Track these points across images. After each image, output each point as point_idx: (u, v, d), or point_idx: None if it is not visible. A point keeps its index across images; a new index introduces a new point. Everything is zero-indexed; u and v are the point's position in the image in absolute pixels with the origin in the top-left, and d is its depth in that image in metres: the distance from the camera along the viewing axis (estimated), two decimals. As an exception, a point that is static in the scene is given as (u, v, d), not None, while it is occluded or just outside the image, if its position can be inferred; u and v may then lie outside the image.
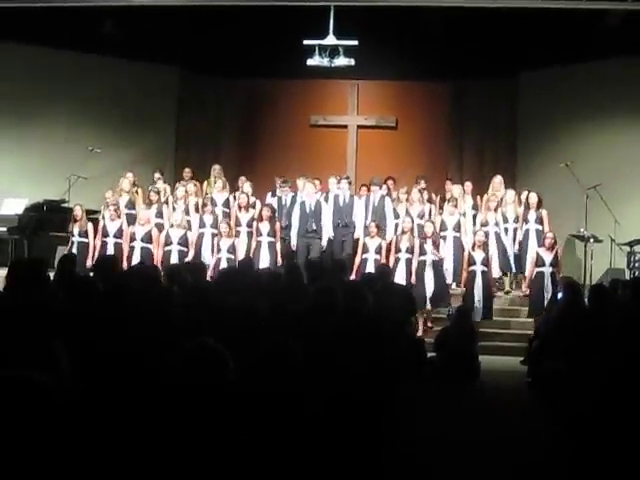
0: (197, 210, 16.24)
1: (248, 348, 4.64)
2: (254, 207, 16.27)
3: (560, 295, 12.33)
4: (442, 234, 15.30)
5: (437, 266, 14.69)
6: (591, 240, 15.84)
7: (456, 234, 15.49)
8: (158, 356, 4.58)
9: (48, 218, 16.65)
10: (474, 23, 17.06)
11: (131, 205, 16.68)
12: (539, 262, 14.48)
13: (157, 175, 17.70)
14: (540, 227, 15.44)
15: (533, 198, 15.80)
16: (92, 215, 16.50)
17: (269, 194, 17.20)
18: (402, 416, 6.42)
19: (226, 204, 16.61)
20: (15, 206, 17.25)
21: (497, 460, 6.63)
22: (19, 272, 8.80)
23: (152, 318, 6.38)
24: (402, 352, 7.52)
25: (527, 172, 18.99)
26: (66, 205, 17.23)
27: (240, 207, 15.94)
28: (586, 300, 10.49)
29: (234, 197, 16.70)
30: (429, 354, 11.48)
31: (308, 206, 15.93)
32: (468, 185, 17.05)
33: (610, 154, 17.86)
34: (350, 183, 16.92)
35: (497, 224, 15.72)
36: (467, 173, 19.76)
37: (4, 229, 17.03)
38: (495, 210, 15.86)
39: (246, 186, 16.87)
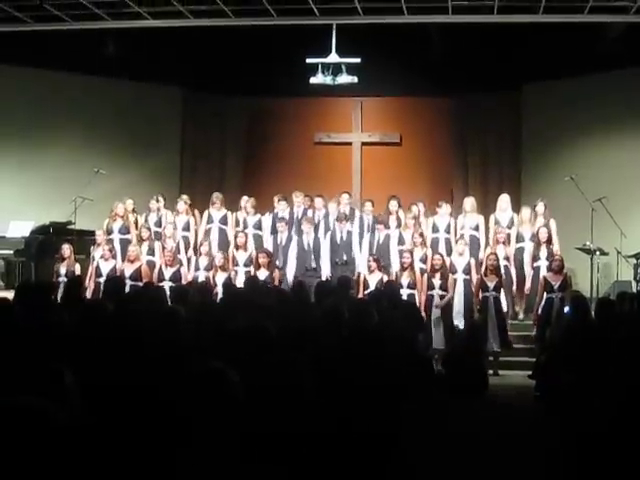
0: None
1: (256, 368, 4.67)
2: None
3: (567, 309, 12.33)
4: (452, 277, 14.60)
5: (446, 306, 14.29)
6: (597, 253, 15.83)
7: (466, 277, 14.68)
8: (167, 380, 4.60)
9: (54, 240, 16.60)
10: (476, 37, 17.14)
11: (125, 230, 16.46)
12: (547, 288, 14.09)
13: (153, 203, 17.24)
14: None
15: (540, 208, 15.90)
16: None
17: (267, 214, 17.03)
18: (409, 432, 6.43)
19: (223, 220, 16.56)
20: (21, 229, 17.31)
21: (505, 475, 6.65)
22: (26, 295, 8.85)
23: (160, 339, 6.41)
24: (409, 368, 7.54)
25: (532, 186, 19.00)
26: (72, 227, 17.27)
27: (238, 247, 15.56)
28: (593, 313, 10.50)
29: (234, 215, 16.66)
30: (437, 369, 11.51)
31: (306, 243, 15.65)
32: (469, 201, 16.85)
33: (615, 166, 17.89)
34: (350, 196, 17.10)
35: (507, 258, 15.31)
36: (472, 188, 19.77)
37: (11, 252, 17.09)
38: (504, 243, 15.47)
39: (248, 206, 16.76)
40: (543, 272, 14.42)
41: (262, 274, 14.68)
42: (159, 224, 16.93)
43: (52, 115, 19.15)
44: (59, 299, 10.91)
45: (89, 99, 19.43)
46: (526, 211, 15.98)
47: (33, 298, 8.61)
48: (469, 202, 16.41)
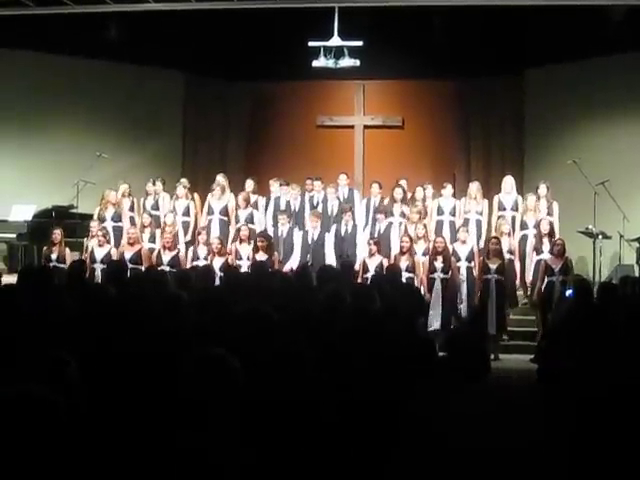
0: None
1: (259, 353, 4.67)
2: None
3: (568, 292, 12.32)
4: (456, 264, 14.46)
5: (450, 286, 14.19)
6: (600, 237, 15.81)
7: (469, 264, 14.52)
8: (168, 364, 4.61)
9: (57, 224, 16.55)
10: (478, 21, 17.10)
11: (117, 217, 16.36)
12: (547, 271, 14.01)
13: (150, 186, 17.28)
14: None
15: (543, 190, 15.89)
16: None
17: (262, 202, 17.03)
18: (413, 416, 6.44)
19: (224, 212, 16.44)
20: (24, 213, 17.28)
21: (506, 460, 6.66)
22: (29, 279, 8.86)
23: (163, 324, 6.41)
24: (412, 352, 7.54)
25: (534, 169, 18.97)
26: (75, 211, 17.28)
27: (241, 240, 15.23)
28: (595, 297, 10.50)
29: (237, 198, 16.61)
30: (440, 353, 11.51)
31: (310, 238, 15.46)
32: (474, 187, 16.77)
33: (618, 150, 17.86)
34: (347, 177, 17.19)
35: (512, 251, 15.14)
36: (474, 172, 19.77)
37: (13, 235, 17.08)
38: (509, 235, 15.32)
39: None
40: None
41: (260, 257, 14.55)
42: (156, 207, 16.98)
43: (54, 99, 19.13)
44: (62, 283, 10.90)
45: (91, 83, 19.41)
46: (531, 199, 15.90)
47: (36, 282, 8.63)
48: (474, 187, 16.28)
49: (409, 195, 16.44)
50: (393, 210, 15.78)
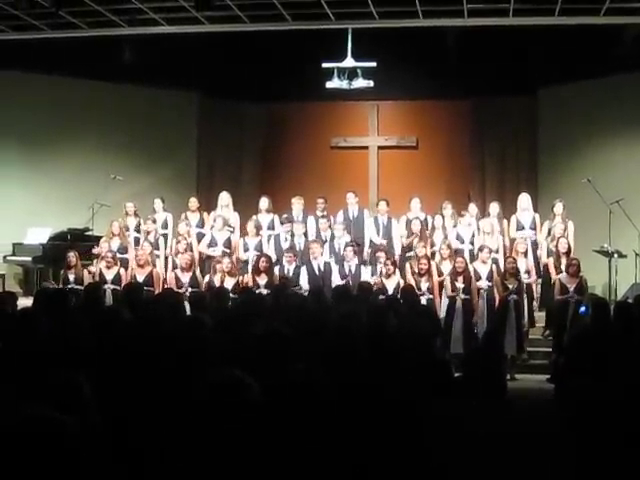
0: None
1: (275, 375, 4.66)
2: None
3: (582, 309, 12.27)
4: (476, 283, 14.38)
5: (468, 307, 14.14)
6: (615, 255, 15.77)
7: (490, 284, 14.37)
8: (184, 387, 4.60)
9: (72, 247, 16.55)
10: (491, 40, 17.10)
11: (123, 249, 16.12)
12: (562, 290, 14.01)
13: (156, 205, 17.38)
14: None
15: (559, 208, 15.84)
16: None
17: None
18: (428, 437, 6.41)
19: (227, 244, 16.24)
20: (39, 235, 17.36)
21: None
22: (44, 302, 8.87)
23: (181, 347, 6.39)
24: (427, 372, 7.52)
25: (549, 188, 18.93)
26: (90, 233, 17.32)
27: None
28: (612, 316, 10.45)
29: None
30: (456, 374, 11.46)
31: (317, 267, 15.14)
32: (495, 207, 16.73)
33: (632, 168, 17.83)
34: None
35: (528, 272, 14.93)
36: (489, 191, 19.78)
37: (29, 258, 17.14)
38: (525, 255, 15.12)
39: (263, 202, 16.83)
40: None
41: (262, 280, 14.47)
42: (165, 226, 17.14)
43: (68, 122, 19.21)
44: (78, 305, 10.91)
45: (106, 105, 19.49)
46: (559, 226, 15.75)
47: (51, 305, 8.64)
48: (488, 222, 16.09)
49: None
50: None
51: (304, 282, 14.85)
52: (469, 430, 6.21)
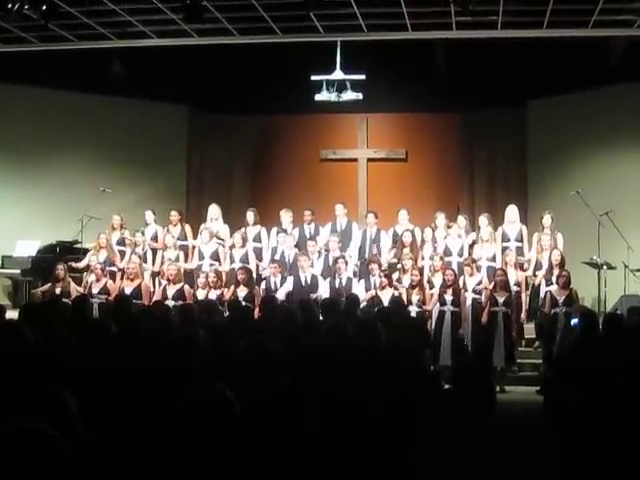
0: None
1: (261, 390, 4.63)
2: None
3: (573, 321, 12.26)
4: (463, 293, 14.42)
5: (458, 319, 14.11)
6: (604, 267, 15.75)
7: (476, 296, 14.45)
8: (168, 402, 4.57)
9: (60, 260, 16.48)
10: (481, 53, 17.11)
11: (110, 263, 16.06)
12: (552, 302, 14.01)
13: (147, 217, 17.30)
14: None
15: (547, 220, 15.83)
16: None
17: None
18: (417, 449, 6.39)
19: (215, 256, 16.22)
20: (28, 248, 17.31)
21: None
22: (31, 315, 8.81)
23: (167, 361, 6.36)
24: (416, 386, 7.49)
25: (538, 200, 18.94)
26: (79, 246, 17.28)
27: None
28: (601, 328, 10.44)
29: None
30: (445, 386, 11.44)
31: (304, 280, 15.10)
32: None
33: (621, 180, 17.83)
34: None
35: (518, 284, 14.80)
36: (478, 204, 19.77)
37: (17, 271, 17.10)
38: (515, 267, 15.01)
39: (250, 216, 16.85)
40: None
41: (241, 292, 14.50)
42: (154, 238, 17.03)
43: (58, 134, 19.15)
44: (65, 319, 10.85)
45: (95, 118, 19.45)
46: (545, 238, 15.72)
47: (38, 318, 8.58)
48: (487, 231, 15.98)
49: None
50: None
51: (281, 293, 14.83)
52: (458, 443, 6.19)
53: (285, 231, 16.62)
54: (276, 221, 17.08)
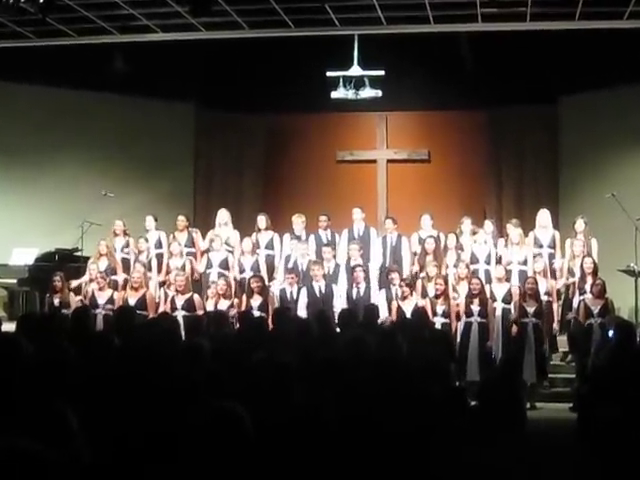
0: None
1: (276, 407, 4.63)
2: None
3: (610, 334, 12.22)
4: (492, 305, 14.38)
5: (485, 331, 14.12)
6: (642, 275, 15.70)
7: (506, 306, 14.47)
8: (176, 419, 4.57)
9: (59, 268, 16.47)
10: (508, 46, 17.08)
11: (112, 271, 16.07)
12: (587, 313, 13.97)
13: (148, 223, 17.33)
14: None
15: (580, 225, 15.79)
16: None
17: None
18: (441, 469, 6.37)
19: (224, 264, 16.25)
20: (25, 256, 17.29)
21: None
22: (30, 327, 8.83)
23: (173, 375, 6.37)
24: (440, 403, 7.49)
25: (570, 204, 18.88)
26: (79, 254, 17.30)
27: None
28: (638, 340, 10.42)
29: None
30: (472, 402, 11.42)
31: (318, 290, 15.08)
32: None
33: (660, 182, 17.80)
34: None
35: (549, 293, 14.79)
36: (506, 208, 19.74)
37: (14, 281, 17.08)
38: (545, 275, 15.06)
39: (261, 220, 16.87)
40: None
41: (255, 301, 14.57)
42: (159, 245, 17.05)
43: (57, 135, 19.18)
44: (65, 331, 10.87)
45: (96, 117, 19.49)
46: (578, 244, 15.67)
47: (37, 330, 8.60)
48: (516, 232, 16.03)
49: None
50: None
51: (302, 305, 14.83)
52: (486, 464, 6.17)
53: (298, 237, 16.59)
54: (289, 227, 17.06)
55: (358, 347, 7.55)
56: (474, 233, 16.38)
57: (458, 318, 14.31)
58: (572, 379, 14.06)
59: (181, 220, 17.10)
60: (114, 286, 15.49)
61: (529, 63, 18.02)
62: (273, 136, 21.31)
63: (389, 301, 14.62)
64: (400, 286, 14.55)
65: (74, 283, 15.99)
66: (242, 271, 16.05)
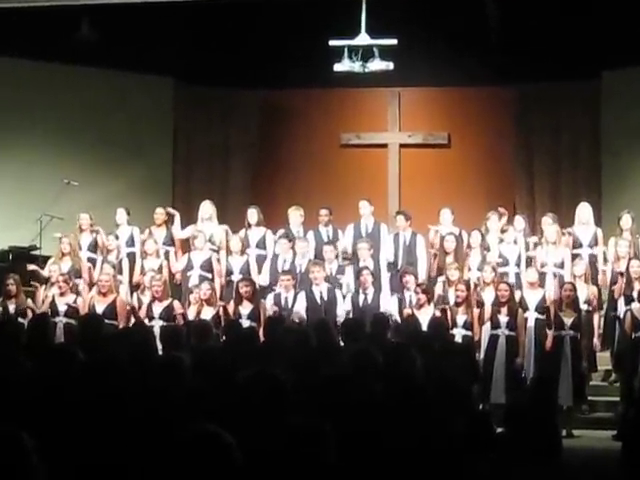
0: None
1: (269, 431, 4.63)
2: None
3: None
4: (522, 315, 14.42)
5: (513, 346, 14.17)
6: (700, 280, 15.70)
7: (539, 316, 14.53)
8: (150, 447, 4.57)
9: (13, 269, 16.42)
10: (541, 11, 17.07)
11: (76, 273, 16.02)
12: (634, 325, 13.98)
13: (118, 217, 17.32)
14: None
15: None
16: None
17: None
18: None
19: (207, 266, 16.25)
20: (-28, 256, 17.32)
21: None
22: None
23: (147, 395, 6.37)
24: (462, 428, 7.49)
25: (615, 197, 18.89)
26: (37, 252, 17.28)
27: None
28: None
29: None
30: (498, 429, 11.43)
31: (318, 295, 15.12)
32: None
33: None
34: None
35: (589, 302, 14.82)
36: (539, 201, 19.74)
37: (-40, 284, 17.10)
38: (585, 279, 15.02)
39: (252, 214, 16.87)
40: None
41: (244, 309, 14.64)
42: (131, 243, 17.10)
43: (11, 112, 19.17)
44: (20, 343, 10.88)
45: (59, 93, 19.48)
46: (623, 243, 15.69)
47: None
48: (552, 229, 16.07)
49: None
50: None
51: (300, 312, 14.87)
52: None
53: (287, 236, 16.54)
54: (284, 222, 17.05)
55: (363, 362, 7.55)
56: (503, 231, 16.35)
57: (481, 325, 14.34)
58: (616, 402, 14.08)
59: (159, 213, 17.13)
60: (77, 291, 15.45)
61: (567, 32, 18.00)
62: (266, 115, 21.29)
63: (401, 309, 14.64)
64: (416, 292, 14.55)
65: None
66: (230, 273, 16.03)
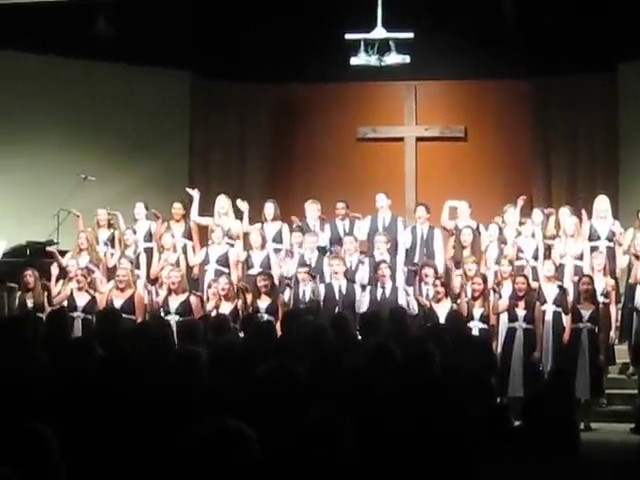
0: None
1: (286, 425, 4.63)
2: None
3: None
4: (540, 308, 14.37)
5: (531, 339, 14.15)
6: None
7: (557, 309, 14.50)
8: (169, 441, 4.57)
9: (31, 264, 16.45)
10: (558, 3, 17.03)
11: (94, 266, 16.04)
12: None
13: (137, 211, 17.35)
14: None
15: None
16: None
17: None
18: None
19: (224, 260, 16.24)
20: (-9, 250, 17.34)
21: None
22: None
23: (165, 390, 6.38)
24: (480, 421, 7.49)
25: (633, 189, 18.85)
26: (54, 247, 17.28)
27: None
28: None
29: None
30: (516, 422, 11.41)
31: (337, 289, 15.13)
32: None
33: None
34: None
35: (606, 294, 14.84)
36: (557, 194, 19.70)
37: (-23, 279, 17.13)
38: (604, 272, 15.00)
39: (269, 209, 16.85)
40: None
41: (262, 303, 14.63)
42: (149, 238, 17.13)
43: (28, 108, 19.15)
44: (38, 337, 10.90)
45: (75, 88, 19.48)
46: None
47: (6, 336, 8.63)
48: (571, 221, 16.06)
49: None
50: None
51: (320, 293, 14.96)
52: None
53: (301, 228, 16.54)
54: (300, 216, 17.02)
55: (382, 357, 7.55)
56: (521, 224, 16.33)
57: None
58: (634, 395, 14.06)
59: (177, 208, 17.13)
60: (95, 287, 15.47)
61: (584, 24, 17.96)
62: (282, 109, 21.31)
63: (417, 298, 14.65)
64: (434, 285, 14.54)
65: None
66: (250, 267, 16.08)
